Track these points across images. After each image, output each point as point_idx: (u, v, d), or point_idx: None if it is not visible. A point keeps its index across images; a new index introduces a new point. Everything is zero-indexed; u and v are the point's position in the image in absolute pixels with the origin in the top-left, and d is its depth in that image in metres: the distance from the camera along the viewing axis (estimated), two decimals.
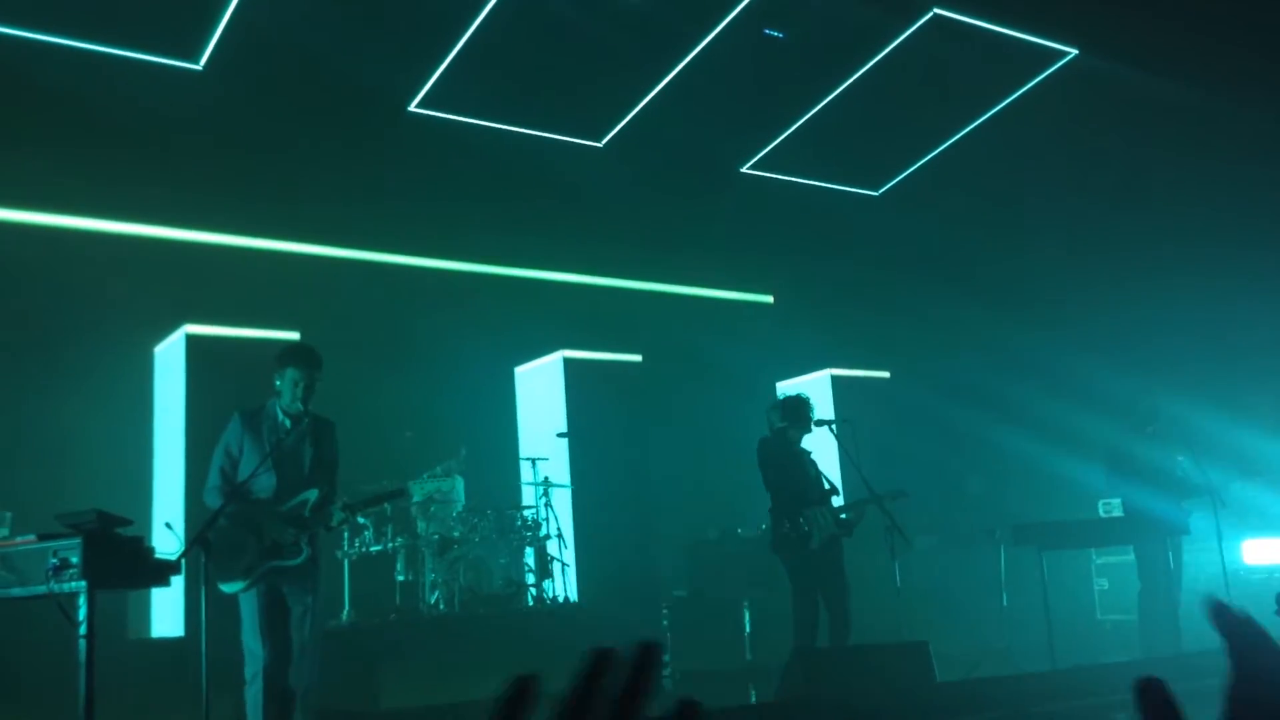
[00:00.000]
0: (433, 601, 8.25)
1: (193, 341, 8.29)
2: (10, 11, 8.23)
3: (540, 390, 10.47)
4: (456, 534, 8.54)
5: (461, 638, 7.81)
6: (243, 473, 5.14)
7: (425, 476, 5.67)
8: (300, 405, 5.23)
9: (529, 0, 9.02)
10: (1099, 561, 10.12)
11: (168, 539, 5.53)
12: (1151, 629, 7.58)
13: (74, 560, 4.19)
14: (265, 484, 5.15)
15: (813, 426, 6.97)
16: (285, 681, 5.03)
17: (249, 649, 5.07)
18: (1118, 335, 10.68)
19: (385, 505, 8.26)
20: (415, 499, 8.83)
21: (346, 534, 8.41)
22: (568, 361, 10.25)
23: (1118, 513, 8.20)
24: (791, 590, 6.60)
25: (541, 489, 9.28)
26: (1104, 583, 10.07)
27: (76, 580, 4.18)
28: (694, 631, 8.61)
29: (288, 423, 5.24)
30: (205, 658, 4.66)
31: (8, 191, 8.45)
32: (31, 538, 4.38)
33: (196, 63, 9.04)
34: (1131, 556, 9.46)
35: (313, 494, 5.17)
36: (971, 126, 11.59)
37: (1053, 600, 7.37)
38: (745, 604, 8.83)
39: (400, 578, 8.44)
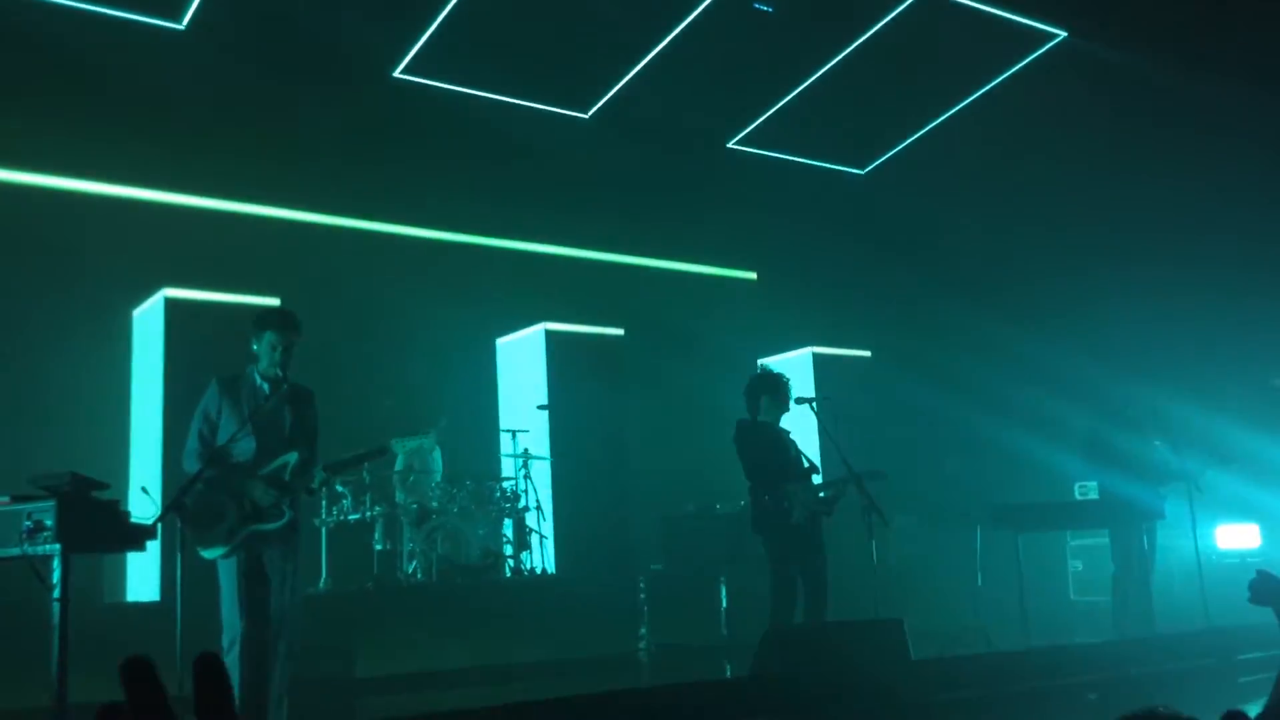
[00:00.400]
0: (410, 571, 8.24)
1: (172, 305, 8.21)
2: None
3: (521, 362, 10.44)
4: (435, 504, 8.53)
5: (438, 607, 7.81)
6: (222, 438, 5.10)
7: (408, 439, 5.63)
8: (278, 370, 5.18)
9: None
10: (1074, 544, 10.20)
11: (144, 503, 5.48)
12: (1125, 612, 7.65)
13: (48, 523, 4.16)
14: (245, 448, 5.10)
15: (791, 404, 6.95)
16: (263, 650, 5.00)
17: (227, 619, 5.02)
18: (1097, 320, 10.73)
19: (364, 472, 8.29)
20: (398, 458, 8.81)
21: (325, 502, 8.38)
22: (549, 334, 10.22)
23: (1094, 496, 8.27)
24: (770, 567, 6.60)
25: (521, 461, 9.27)
26: (1078, 564, 10.16)
27: (51, 543, 4.15)
28: (670, 606, 8.63)
29: (266, 387, 5.19)
30: (181, 623, 4.64)
31: None
32: (5, 499, 4.34)
33: (179, 22, 8.93)
34: (1106, 539, 9.55)
35: (293, 457, 5.13)
36: (959, 107, 11.59)
37: (1027, 581, 7.43)
38: (721, 579, 8.86)
39: (378, 547, 8.42)
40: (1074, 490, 9.22)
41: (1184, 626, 7.59)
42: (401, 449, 5.95)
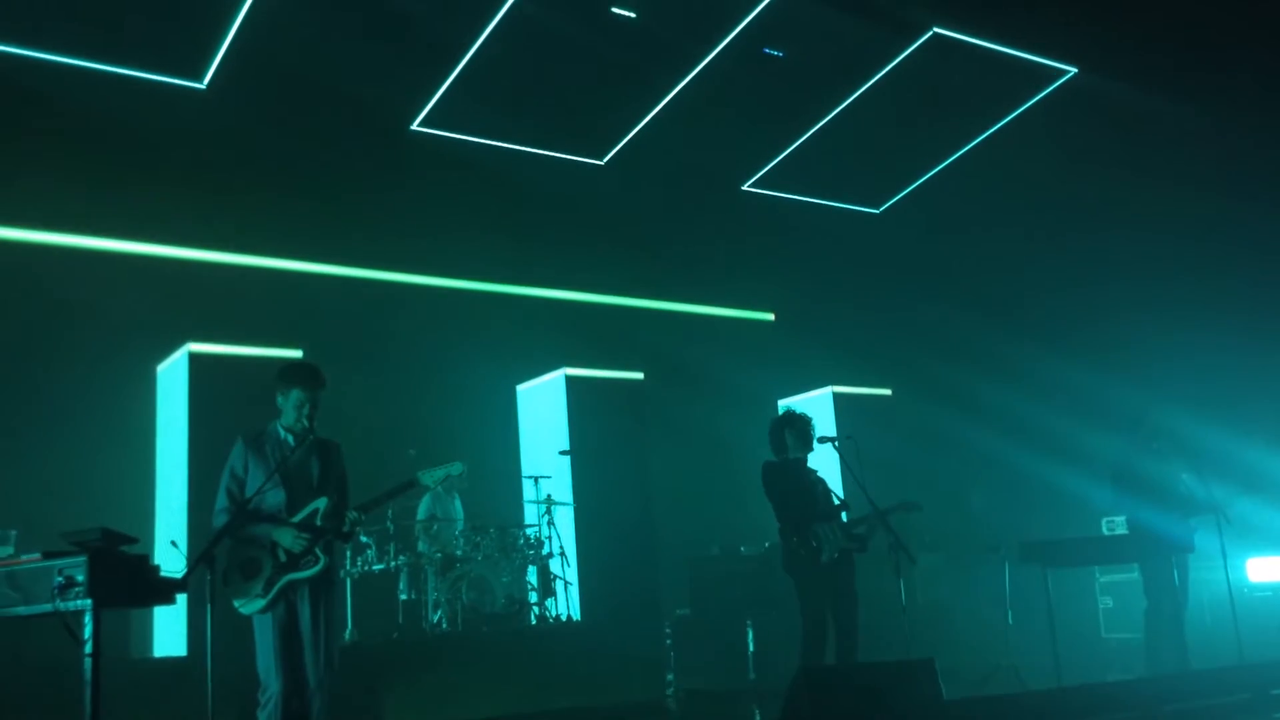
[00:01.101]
0: (435, 620, 8.22)
1: (195, 359, 8.28)
2: (15, 31, 8.26)
3: (542, 408, 10.46)
4: (459, 552, 8.52)
5: (464, 656, 7.77)
6: (250, 494, 5.11)
7: (435, 469, 5.60)
8: (306, 424, 5.21)
9: (530, 19, 9.05)
10: (1103, 579, 10.09)
11: (172, 556, 5.50)
12: (1157, 648, 7.54)
13: (79, 578, 4.16)
14: (274, 500, 5.11)
15: (815, 444, 6.94)
16: (298, 710, 4.97)
17: (263, 677, 4.98)
18: (1120, 352, 10.68)
19: (388, 521, 8.30)
20: (421, 505, 8.82)
21: (350, 552, 8.39)
22: (569, 379, 10.25)
23: (1122, 530, 8.18)
24: (800, 607, 6.56)
25: (543, 507, 9.26)
26: (1109, 601, 10.04)
27: (82, 598, 4.14)
28: (697, 650, 8.57)
29: (291, 440, 5.22)
30: (211, 678, 4.63)
31: (11, 209, 8.46)
32: (36, 556, 4.34)
33: (200, 81, 9.08)
34: (1136, 574, 9.44)
35: (322, 502, 5.14)
36: (972, 145, 11.64)
37: (1057, 618, 7.34)
38: (748, 622, 8.79)
39: (403, 596, 8.41)
40: (1101, 525, 9.15)
41: (1217, 662, 7.48)
42: (431, 479, 5.88)
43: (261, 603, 4.98)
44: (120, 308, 8.56)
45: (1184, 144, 10.13)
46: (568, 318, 11.14)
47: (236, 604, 4.99)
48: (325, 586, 5.11)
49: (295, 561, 5.01)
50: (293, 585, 5.03)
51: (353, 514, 5.19)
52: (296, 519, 5.09)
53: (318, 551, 5.05)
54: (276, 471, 5.07)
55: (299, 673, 4.98)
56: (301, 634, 5.03)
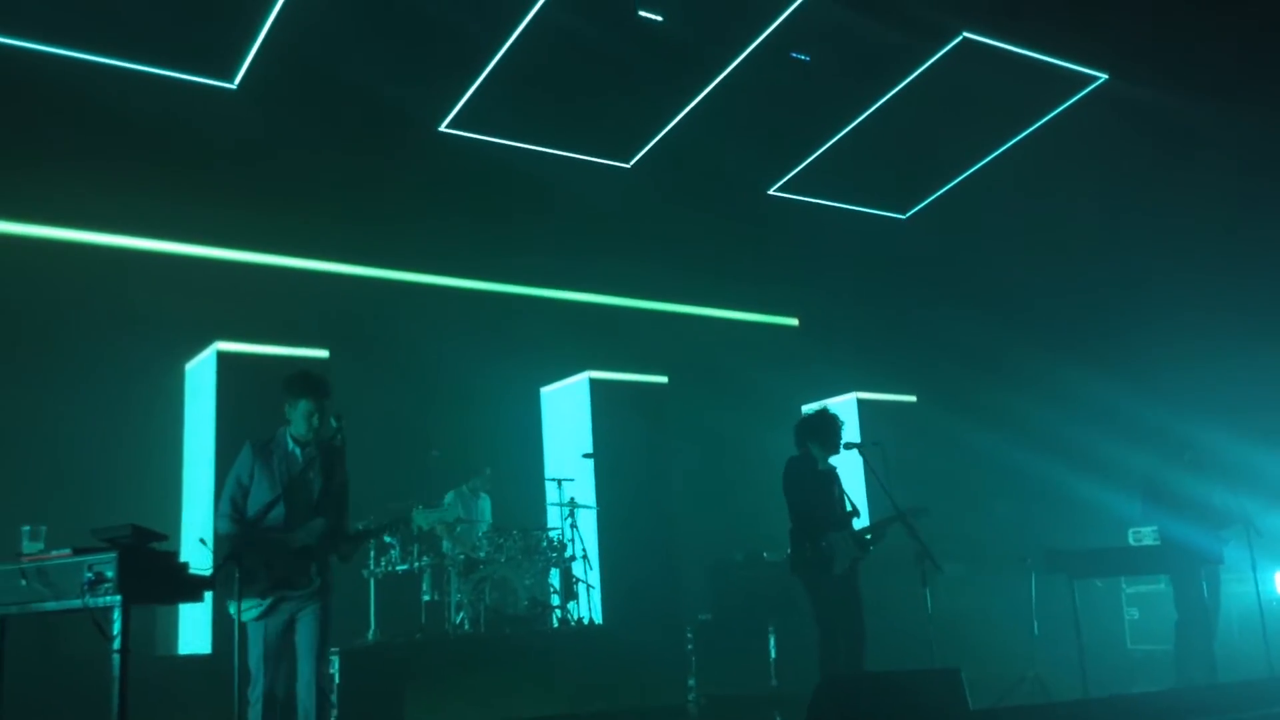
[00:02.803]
0: (458, 621, 8.23)
1: (223, 358, 8.33)
2: (49, 30, 8.33)
3: (566, 411, 10.47)
4: (482, 554, 8.53)
5: (486, 658, 7.77)
6: (253, 501, 5.16)
7: (430, 511, 5.67)
8: (312, 435, 5.24)
9: (558, 23, 9.07)
10: (1129, 591, 10.00)
11: (199, 554, 5.53)
12: (1187, 660, 7.47)
13: (109, 575, 4.18)
14: (275, 514, 5.15)
15: (840, 447, 6.88)
16: (286, 710, 5.03)
17: (255, 673, 5.08)
18: (1149, 361, 10.59)
19: (415, 526, 8.32)
20: (421, 527, 8.82)
21: (373, 553, 8.41)
22: (593, 382, 10.25)
23: (1149, 541, 8.10)
24: (813, 614, 6.53)
25: (567, 510, 9.26)
26: (1134, 612, 9.96)
27: (112, 594, 4.17)
28: (719, 656, 8.53)
29: (298, 451, 5.25)
30: (236, 675, 4.65)
31: (41, 208, 8.54)
32: (67, 552, 4.37)
33: (231, 81, 9.14)
34: (1163, 586, 9.36)
35: (320, 523, 5.16)
36: (1001, 150, 11.58)
37: (1084, 629, 7.27)
38: (771, 628, 8.76)
39: (426, 597, 8.42)
40: (1128, 536, 9.06)
41: (1246, 675, 7.40)
42: (424, 520, 6.01)
43: (256, 612, 5.04)
44: (150, 307, 8.62)
45: (1215, 149, 10.04)
46: (592, 321, 11.15)
47: (230, 609, 5.01)
48: (322, 600, 5.15)
49: (289, 579, 5.04)
50: (286, 598, 5.08)
51: (346, 546, 5.27)
52: (296, 537, 5.11)
53: (312, 572, 5.09)
54: (282, 494, 5.09)
55: (290, 670, 5.08)
56: (294, 643, 5.10)
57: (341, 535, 5.26)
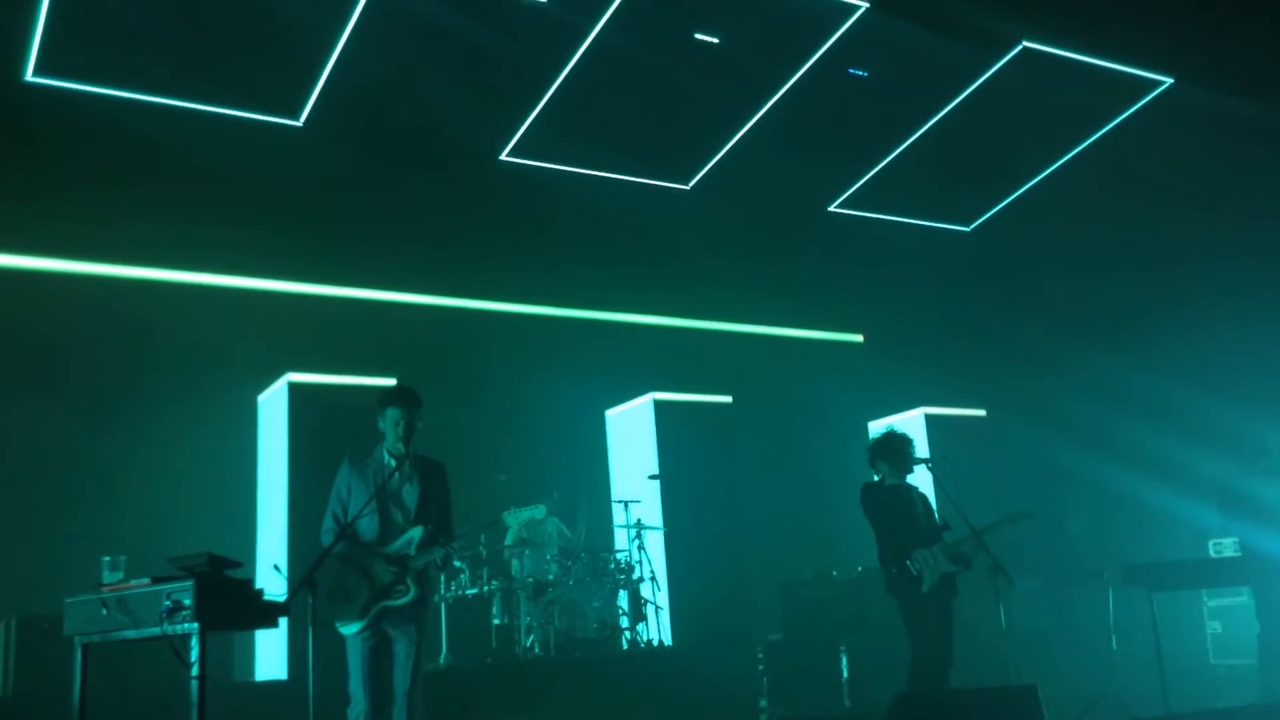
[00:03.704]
0: (528, 645, 8.27)
1: (295, 389, 8.48)
2: (121, 75, 8.61)
3: (631, 432, 10.49)
4: (551, 577, 8.57)
5: (557, 681, 7.79)
6: (353, 515, 5.24)
7: (520, 510, 5.73)
8: (402, 445, 5.33)
9: (615, 48, 9.15)
10: (1211, 604, 9.72)
11: (274, 580, 5.63)
12: (1272, 673, 7.26)
13: (186, 602, 4.27)
14: (369, 526, 5.24)
15: (912, 465, 6.80)
16: None
17: (354, 694, 5.15)
18: (1224, 367, 10.33)
19: (481, 546, 8.40)
20: (510, 531, 8.92)
21: (444, 577, 8.49)
22: (658, 404, 10.26)
23: (1230, 552, 7.89)
24: (909, 634, 6.43)
25: (634, 531, 9.27)
26: (1217, 626, 9.67)
27: (189, 622, 4.26)
28: (790, 677, 8.45)
29: (392, 464, 5.34)
30: (312, 701, 4.72)
31: (117, 247, 8.81)
32: (146, 581, 4.48)
33: (297, 119, 9.35)
34: (1245, 598, 9.09)
35: (417, 532, 5.24)
36: (1066, 159, 11.42)
37: (1164, 644, 7.09)
38: (842, 648, 8.66)
39: (496, 621, 8.48)
40: (1208, 547, 8.84)
41: None
42: (514, 521, 6.00)
43: (358, 625, 5.12)
44: (222, 340, 8.84)
45: None
46: (656, 342, 11.18)
47: (337, 624, 5.14)
48: (417, 613, 5.22)
49: (387, 591, 5.13)
50: (385, 612, 5.15)
51: (440, 551, 5.29)
52: (391, 549, 5.20)
53: (409, 581, 5.16)
54: (373, 499, 5.19)
55: (386, 691, 5.11)
56: (394, 657, 5.16)
57: (434, 546, 5.30)
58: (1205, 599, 9.73)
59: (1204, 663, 9.61)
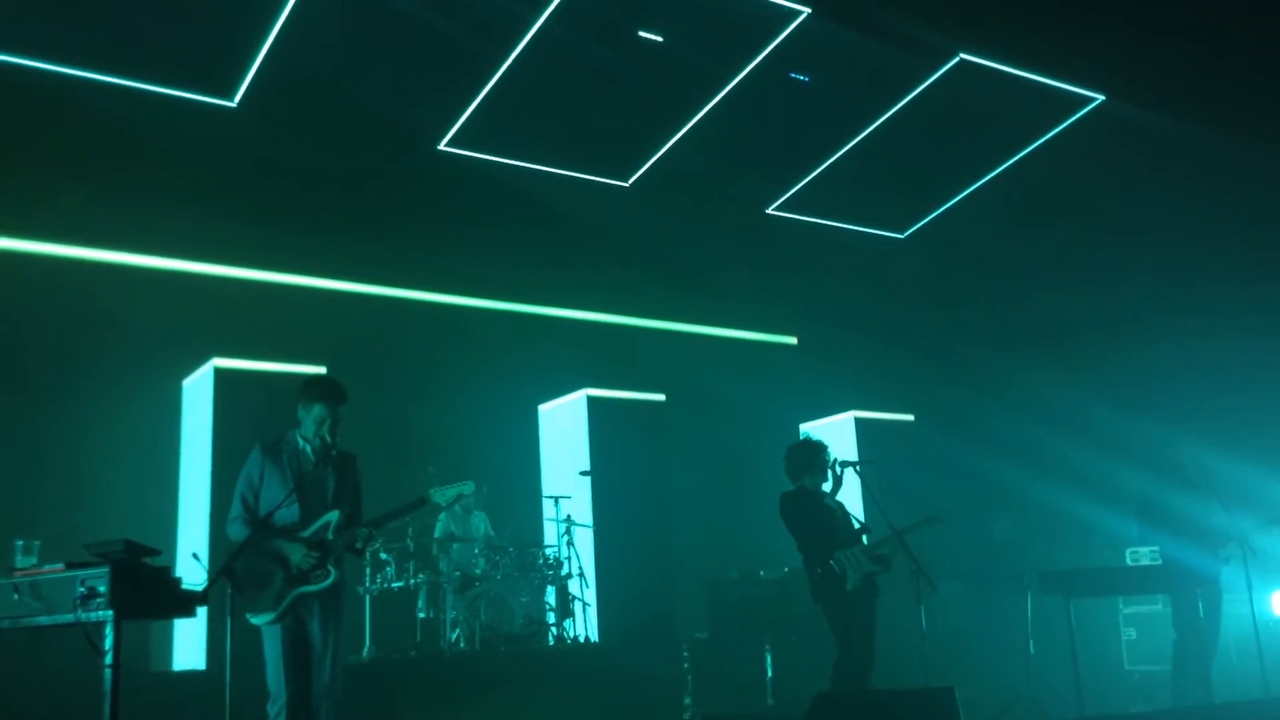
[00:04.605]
0: (453, 639, 8.22)
1: (221, 375, 8.33)
2: (49, 48, 8.38)
3: (563, 428, 10.47)
4: (478, 571, 8.52)
5: (481, 676, 7.75)
6: (265, 502, 5.15)
7: (447, 488, 5.63)
8: (327, 439, 5.25)
9: (559, 41, 9.12)
10: (1126, 611, 9.98)
11: (193, 570, 5.53)
12: (1184, 681, 7.45)
13: (101, 589, 4.17)
14: (288, 514, 5.15)
15: (830, 471, 6.89)
16: (308, 717, 5.01)
17: (273, 687, 5.05)
18: (1145, 380, 10.60)
19: (408, 539, 8.33)
20: (438, 525, 8.86)
21: (369, 570, 8.40)
22: (591, 400, 10.25)
23: (1147, 561, 8.09)
24: (834, 634, 6.50)
25: (563, 527, 9.26)
26: (1131, 632, 9.93)
27: (104, 609, 4.16)
28: (715, 675, 8.50)
29: (310, 451, 5.26)
30: (230, 691, 4.65)
31: (40, 224, 8.57)
32: (60, 566, 4.37)
33: (231, 99, 9.18)
34: (1160, 606, 9.34)
35: (333, 515, 5.18)
36: (998, 170, 11.62)
37: (1080, 649, 7.26)
38: (767, 647, 8.74)
39: (421, 615, 8.42)
40: (1125, 556, 9.05)
41: (1242, 695, 7.39)
42: (442, 498, 5.99)
43: (272, 614, 5.03)
44: (147, 323, 8.65)
45: (1213, 170, 10.07)
46: (591, 338, 11.16)
47: (248, 615, 5.03)
48: (335, 600, 5.16)
49: (305, 575, 5.05)
50: (303, 598, 5.07)
51: (363, 530, 5.23)
52: (308, 532, 5.13)
53: (329, 566, 5.10)
54: (294, 490, 5.11)
55: (306, 683, 5.03)
56: (311, 646, 5.08)
57: (356, 527, 5.23)
58: (1121, 606, 9.98)
59: (1119, 668, 9.86)
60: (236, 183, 9.27)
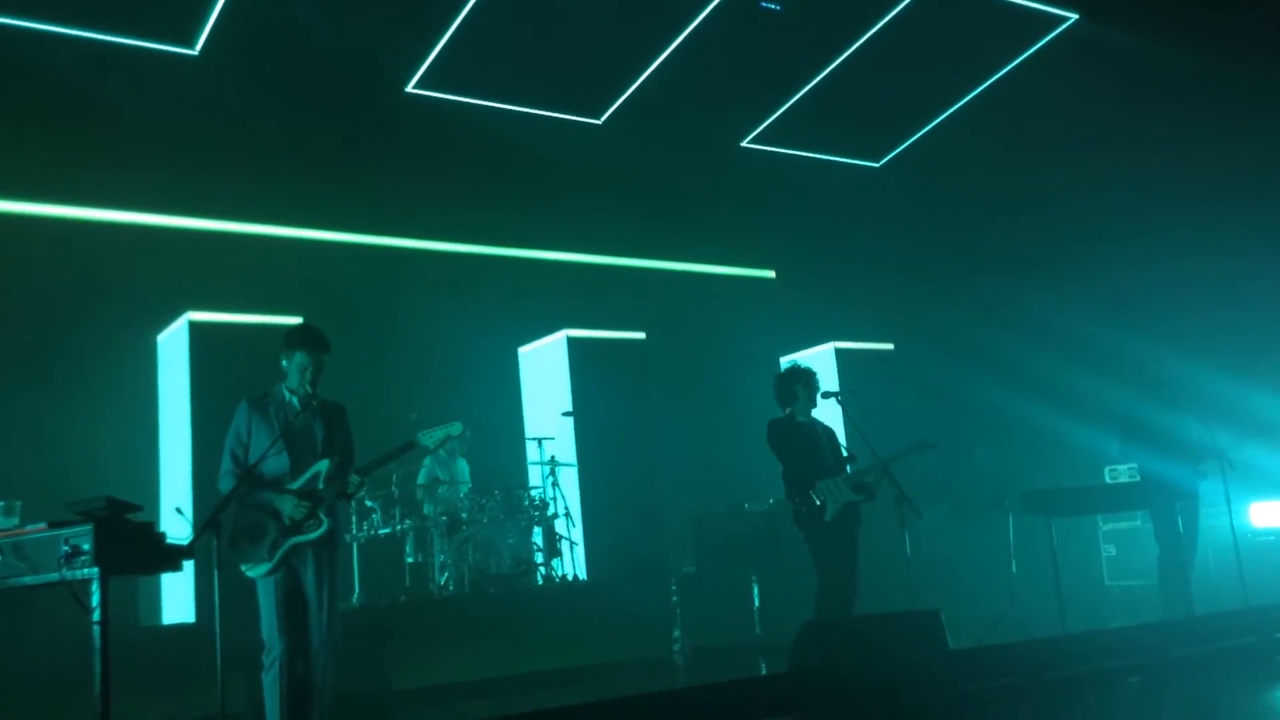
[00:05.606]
0: (442, 582, 8.27)
1: (196, 328, 8.27)
2: (4, 3, 8.18)
3: (544, 370, 10.45)
4: (464, 515, 8.55)
5: (472, 618, 7.82)
6: (255, 455, 5.12)
7: (434, 430, 5.61)
8: (309, 388, 5.22)
9: None
10: (1106, 528, 10.13)
11: (178, 524, 5.52)
12: (1171, 591, 7.59)
13: (85, 547, 4.17)
14: (278, 464, 5.13)
15: (818, 399, 6.92)
16: (302, 671, 5.02)
17: (267, 639, 5.04)
18: (1125, 299, 10.63)
19: (393, 485, 8.34)
20: (422, 471, 8.87)
21: (355, 517, 8.42)
22: (571, 340, 10.23)
23: (1125, 478, 8.19)
24: (814, 563, 6.58)
25: (548, 468, 9.29)
26: (1111, 549, 10.08)
27: (89, 567, 4.15)
28: (703, 607, 8.60)
29: (296, 403, 5.23)
30: (220, 643, 4.66)
31: (8, 183, 8.43)
32: (42, 525, 4.36)
33: (192, 48, 9.00)
34: (1139, 522, 9.48)
35: (324, 465, 5.16)
36: (972, 95, 11.54)
37: (1061, 567, 7.36)
38: (754, 578, 8.84)
39: (409, 559, 8.46)
40: (1104, 474, 9.16)
41: (1222, 606, 7.52)
42: (430, 440, 6.00)
43: (267, 566, 5.02)
44: (119, 278, 8.56)
45: (1187, 91, 10.02)
46: (568, 279, 11.11)
47: (243, 568, 5.03)
48: (329, 549, 5.15)
49: (298, 526, 5.04)
50: (296, 549, 5.06)
51: (354, 477, 5.21)
52: (299, 483, 5.11)
53: (321, 515, 5.08)
54: (281, 437, 5.08)
55: (303, 634, 5.04)
56: (306, 596, 5.07)
57: (347, 474, 5.20)
58: (1100, 523, 10.12)
59: (1099, 584, 10.02)
60: (202, 133, 9.12)
